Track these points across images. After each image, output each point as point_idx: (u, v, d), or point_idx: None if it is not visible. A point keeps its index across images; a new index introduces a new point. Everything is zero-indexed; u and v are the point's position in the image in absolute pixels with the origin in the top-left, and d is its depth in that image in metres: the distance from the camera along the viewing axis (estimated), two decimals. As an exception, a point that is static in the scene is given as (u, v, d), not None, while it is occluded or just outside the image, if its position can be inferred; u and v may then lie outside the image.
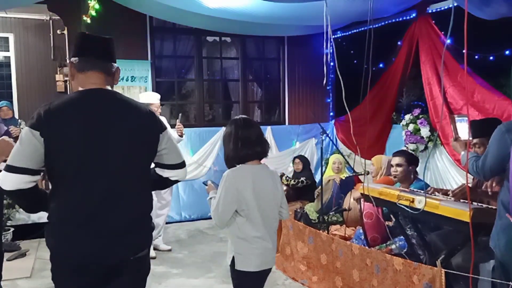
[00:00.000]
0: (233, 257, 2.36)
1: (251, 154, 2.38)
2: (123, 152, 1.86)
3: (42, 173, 1.84)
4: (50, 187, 1.88)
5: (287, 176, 5.66)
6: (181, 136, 4.82)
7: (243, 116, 2.52)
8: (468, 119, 2.77)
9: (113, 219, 1.84)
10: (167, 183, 2.12)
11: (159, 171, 2.06)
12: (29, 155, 1.76)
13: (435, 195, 3.02)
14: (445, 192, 3.04)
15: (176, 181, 2.13)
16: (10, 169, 1.76)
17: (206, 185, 2.63)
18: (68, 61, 1.98)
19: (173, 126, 4.94)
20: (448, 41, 4.23)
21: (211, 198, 2.45)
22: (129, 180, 1.89)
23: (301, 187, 5.49)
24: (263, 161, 2.52)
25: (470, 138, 2.76)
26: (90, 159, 1.80)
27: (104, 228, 1.82)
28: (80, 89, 1.89)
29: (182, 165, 2.09)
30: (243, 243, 2.33)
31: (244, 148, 2.36)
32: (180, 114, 4.94)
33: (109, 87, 1.94)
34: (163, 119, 4.77)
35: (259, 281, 2.44)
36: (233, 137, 2.37)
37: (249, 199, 2.30)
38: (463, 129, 2.78)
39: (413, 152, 4.72)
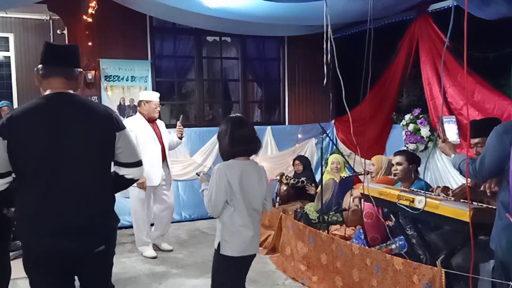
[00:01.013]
0: (219, 243, 2.58)
1: (244, 151, 2.59)
2: (80, 151, 2.00)
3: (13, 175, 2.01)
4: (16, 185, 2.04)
5: (287, 176, 5.67)
6: (180, 138, 4.81)
7: (239, 115, 2.73)
8: (467, 120, 2.75)
9: (72, 215, 1.99)
10: (123, 181, 2.21)
11: (116, 168, 2.19)
12: (1, 161, 1.93)
13: (437, 194, 3.02)
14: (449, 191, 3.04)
15: (132, 180, 2.23)
16: None
17: (199, 175, 2.89)
18: (34, 69, 2.16)
19: (173, 127, 4.95)
20: (448, 41, 4.22)
21: (203, 190, 2.68)
22: (87, 177, 2.03)
23: (301, 187, 5.49)
24: (259, 159, 2.67)
25: (458, 140, 2.76)
26: (48, 159, 1.95)
27: (63, 224, 1.98)
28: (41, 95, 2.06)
29: (137, 164, 2.20)
30: (229, 230, 2.56)
31: (239, 145, 2.56)
32: (181, 116, 4.92)
33: (71, 91, 2.09)
34: (161, 123, 4.77)
35: (240, 266, 2.65)
36: (229, 135, 2.56)
37: (236, 191, 2.52)
38: (451, 131, 2.76)
39: (413, 152, 4.71)
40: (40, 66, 2.11)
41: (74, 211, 1.99)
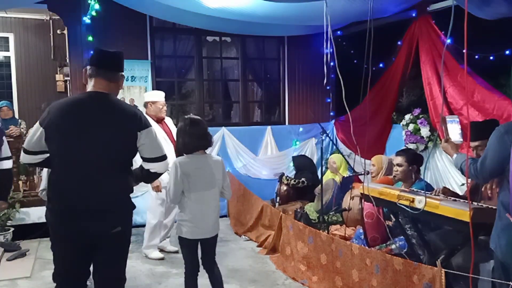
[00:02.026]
0: (177, 226, 3.02)
1: (197, 146, 2.96)
2: (104, 144, 2.30)
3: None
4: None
5: (288, 176, 5.68)
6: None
7: (192, 116, 3.09)
8: (466, 120, 2.74)
9: (92, 198, 2.29)
10: (149, 174, 2.50)
11: (143, 163, 2.49)
12: (36, 143, 2.35)
13: (439, 195, 3.02)
14: (453, 194, 3.03)
15: (156, 174, 2.52)
16: (24, 151, 2.42)
17: None
18: (83, 69, 2.48)
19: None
20: (448, 41, 4.22)
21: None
22: (106, 167, 2.32)
23: (302, 187, 5.50)
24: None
25: (461, 140, 2.74)
26: (74, 147, 2.28)
27: (84, 205, 2.29)
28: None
29: (160, 158, 2.47)
30: (184, 216, 2.95)
31: (191, 141, 2.94)
32: (190, 114, 4.92)
33: (112, 91, 2.41)
34: (169, 120, 4.77)
35: (191, 246, 3.01)
36: (183, 133, 2.95)
37: (191, 181, 2.90)
38: (454, 131, 2.75)
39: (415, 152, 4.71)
40: (88, 67, 2.42)
41: (94, 196, 2.29)
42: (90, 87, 2.39)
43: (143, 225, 4.79)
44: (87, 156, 2.28)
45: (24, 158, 2.45)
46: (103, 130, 2.31)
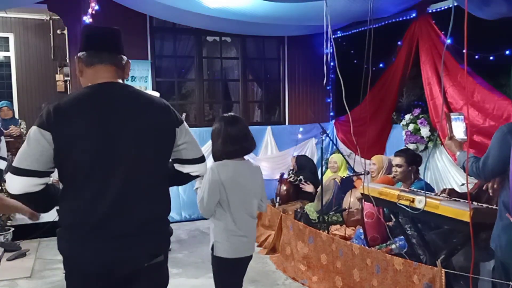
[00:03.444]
0: (213, 244, 2.53)
1: (238, 150, 2.53)
2: (136, 150, 1.73)
3: (51, 175, 1.72)
4: (61, 187, 1.78)
5: (289, 173, 5.70)
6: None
7: (232, 114, 2.68)
8: (465, 117, 2.73)
9: (126, 222, 1.72)
10: (188, 179, 2.00)
11: (178, 167, 1.95)
12: (37, 156, 1.63)
13: (441, 195, 3.02)
14: (460, 196, 3.03)
15: (197, 177, 2.03)
16: (16, 171, 1.63)
17: None
18: (75, 57, 1.82)
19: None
20: (448, 41, 4.22)
21: (197, 188, 2.59)
22: (143, 180, 1.76)
23: (300, 186, 5.51)
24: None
25: (465, 138, 2.74)
26: (101, 159, 1.68)
27: (116, 232, 1.71)
28: (90, 84, 1.76)
29: (202, 159, 1.99)
30: (222, 232, 2.49)
31: (233, 145, 2.50)
32: (184, 114, 4.90)
33: (120, 81, 1.82)
34: None
35: (236, 267, 2.57)
36: (222, 134, 2.51)
37: (230, 191, 2.47)
38: (458, 128, 2.74)
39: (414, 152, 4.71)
40: (82, 53, 1.77)
41: (127, 218, 1.72)
42: (91, 79, 1.76)
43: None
44: (117, 167, 1.70)
45: (13, 183, 1.65)
46: (133, 131, 1.73)
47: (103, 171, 1.69)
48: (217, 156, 2.54)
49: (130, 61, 1.88)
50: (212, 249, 2.53)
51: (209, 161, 2.53)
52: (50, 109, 1.65)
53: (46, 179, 1.70)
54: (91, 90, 1.74)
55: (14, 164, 1.65)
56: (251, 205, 2.57)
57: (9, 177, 1.65)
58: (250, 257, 2.61)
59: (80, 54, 1.78)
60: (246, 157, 2.63)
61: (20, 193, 1.66)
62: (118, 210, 1.70)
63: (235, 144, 2.50)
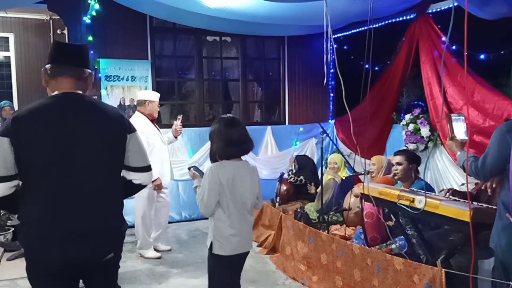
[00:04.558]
0: (212, 242, 2.61)
1: (239, 152, 2.61)
2: (89, 153, 1.92)
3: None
4: (20, 187, 1.93)
5: (289, 173, 5.70)
6: (175, 137, 4.84)
7: (230, 115, 2.73)
8: (466, 118, 2.74)
9: (79, 220, 1.89)
10: (131, 187, 2.13)
11: (124, 173, 2.09)
12: (2, 163, 1.83)
13: (445, 195, 3.03)
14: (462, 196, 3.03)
15: (139, 186, 2.15)
16: None
17: (190, 170, 2.94)
18: (42, 69, 2.04)
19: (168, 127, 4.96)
20: (448, 41, 4.22)
21: (196, 187, 2.70)
22: (95, 181, 1.94)
23: (301, 186, 5.51)
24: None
25: (466, 138, 2.74)
26: (55, 161, 1.86)
27: (70, 229, 1.87)
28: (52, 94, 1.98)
29: (146, 169, 2.13)
30: (221, 230, 2.58)
31: (232, 146, 2.57)
32: (181, 116, 4.91)
33: (80, 92, 2.01)
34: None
35: (233, 264, 2.67)
36: (222, 136, 2.57)
37: (228, 191, 2.54)
38: (459, 128, 2.75)
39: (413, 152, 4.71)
40: (48, 65, 2.00)
41: (82, 216, 1.90)
42: (54, 89, 1.98)
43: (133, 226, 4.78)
44: (73, 168, 1.88)
45: None
46: (88, 137, 1.92)
47: (56, 172, 1.86)
48: (216, 157, 2.60)
49: (93, 73, 2.13)
50: (211, 246, 2.60)
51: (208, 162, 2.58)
52: (10, 118, 1.88)
53: (15, 182, 1.90)
54: (49, 99, 1.96)
55: None
56: (249, 203, 2.65)
57: None
58: (247, 253, 2.71)
59: (46, 66, 2.01)
60: (246, 156, 2.69)
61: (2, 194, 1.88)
62: (70, 209, 1.88)
63: (237, 147, 2.58)
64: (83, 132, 1.92)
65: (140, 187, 2.17)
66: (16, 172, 1.87)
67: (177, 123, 4.79)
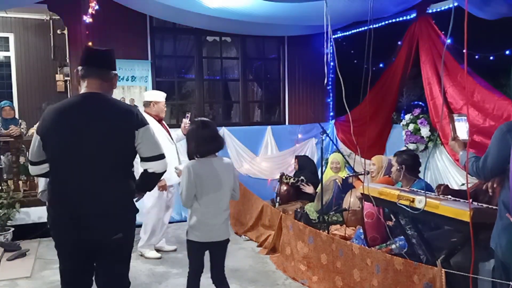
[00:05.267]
0: (187, 230, 2.95)
1: (210, 149, 2.92)
2: (99, 146, 2.22)
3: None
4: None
5: (287, 175, 5.69)
6: (185, 135, 4.82)
7: (202, 118, 3.06)
8: (467, 119, 2.74)
9: (90, 203, 2.21)
10: (147, 176, 2.39)
11: (141, 164, 2.38)
12: (36, 152, 2.32)
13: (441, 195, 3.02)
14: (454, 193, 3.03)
15: (154, 174, 2.39)
16: (30, 163, 2.41)
17: (176, 170, 3.35)
18: (74, 70, 2.48)
19: (174, 127, 4.95)
20: (448, 41, 4.23)
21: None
22: (103, 169, 2.24)
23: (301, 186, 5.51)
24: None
25: (469, 138, 2.75)
26: (68, 151, 2.22)
27: (82, 210, 2.22)
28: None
29: (158, 157, 2.37)
30: (195, 219, 2.89)
31: (204, 144, 2.90)
32: (190, 113, 4.98)
33: (105, 92, 2.34)
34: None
35: (205, 250, 2.97)
36: (196, 137, 2.91)
37: (204, 185, 2.85)
38: (461, 129, 2.76)
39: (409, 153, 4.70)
40: (79, 67, 2.34)
41: (92, 200, 2.21)
42: (83, 88, 2.33)
43: (141, 225, 4.78)
44: (84, 159, 2.21)
45: (31, 170, 2.41)
46: (98, 131, 2.23)
47: (71, 161, 2.23)
48: (192, 155, 2.93)
49: (117, 73, 2.46)
50: (187, 233, 2.95)
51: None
52: (41, 117, 2.32)
53: (44, 166, 2.35)
54: (73, 98, 2.38)
55: (29, 158, 2.42)
56: (224, 196, 2.95)
57: (30, 166, 2.44)
58: (225, 241, 2.99)
59: (78, 68, 2.35)
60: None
61: (36, 174, 2.43)
62: (81, 193, 2.22)
63: (209, 145, 2.91)
64: (94, 128, 2.22)
65: (154, 175, 2.40)
66: (42, 159, 2.31)
67: (186, 120, 4.81)
